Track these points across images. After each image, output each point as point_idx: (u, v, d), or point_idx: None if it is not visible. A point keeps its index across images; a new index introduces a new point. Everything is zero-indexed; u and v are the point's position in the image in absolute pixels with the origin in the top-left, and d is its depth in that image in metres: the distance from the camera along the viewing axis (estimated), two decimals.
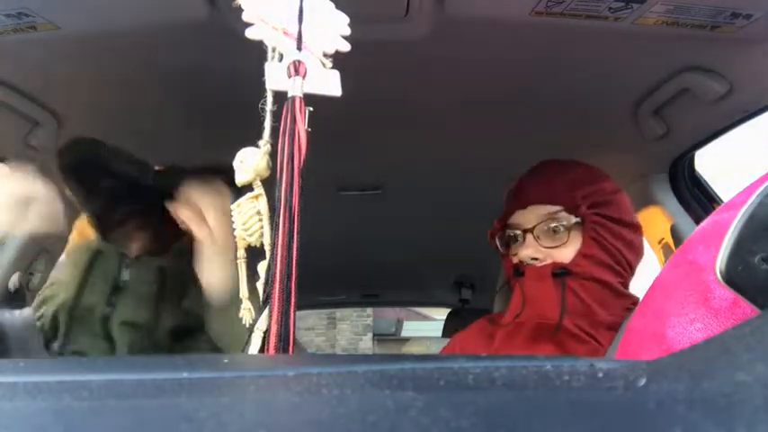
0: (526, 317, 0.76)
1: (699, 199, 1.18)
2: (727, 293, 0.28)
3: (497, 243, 0.83)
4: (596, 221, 0.74)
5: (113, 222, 0.80)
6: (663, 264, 1.15)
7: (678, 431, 0.17)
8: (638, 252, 0.77)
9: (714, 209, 0.34)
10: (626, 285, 0.76)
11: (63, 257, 0.82)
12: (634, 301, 0.74)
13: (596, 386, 0.22)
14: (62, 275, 0.79)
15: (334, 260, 1.77)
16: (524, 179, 0.83)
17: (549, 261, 0.75)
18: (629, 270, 0.75)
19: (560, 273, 0.73)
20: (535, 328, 0.75)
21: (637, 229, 0.77)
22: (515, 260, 0.79)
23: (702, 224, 0.34)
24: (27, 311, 0.79)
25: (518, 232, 0.78)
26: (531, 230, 0.77)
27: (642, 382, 0.21)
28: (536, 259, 0.76)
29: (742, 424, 0.17)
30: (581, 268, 0.73)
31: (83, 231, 0.81)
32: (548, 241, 0.75)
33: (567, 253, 0.74)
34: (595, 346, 0.72)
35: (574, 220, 0.74)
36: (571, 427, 0.18)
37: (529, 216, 0.77)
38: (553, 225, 0.75)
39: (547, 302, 0.73)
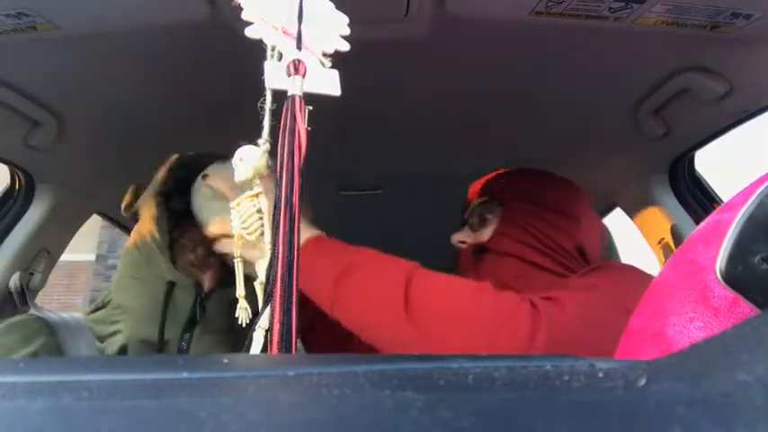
0: None
1: (699, 199, 1.18)
2: (727, 293, 0.28)
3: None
4: (515, 204, 0.81)
5: (185, 249, 0.76)
6: (663, 264, 1.15)
7: (678, 431, 0.17)
8: (570, 236, 0.78)
9: (714, 209, 0.34)
10: (567, 267, 0.77)
11: (123, 277, 0.75)
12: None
13: (596, 386, 0.22)
14: (131, 302, 0.72)
15: None
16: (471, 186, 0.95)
17: (473, 242, 0.84)
18: (562, 253, 0.77)
19: (479, 250, 0.81)
20: None
21: (567, 214, 0.80)
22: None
23: (702, 224, 0.34)
24: (78, 316, 0.75)
25: (462, 225, 0.90)
26: (467, 220, 0.88)
27: (642, 382, 0.21)
28: (463, 243, 0.85)
29: (742, 424, 0.17)
30: (496, 244, 0.79)
31: (142, 230, 0.76)
32: (478, 226, 0.85)
33: (487, 233, 0.82)
34: None
35: (495, 204, 0.83)
36: (571, 427, 0.18)
37: (469, 210, 0.89)
38: (481, 212, 0.85)
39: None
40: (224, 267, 0.76)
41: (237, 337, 0.75)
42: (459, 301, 0.59)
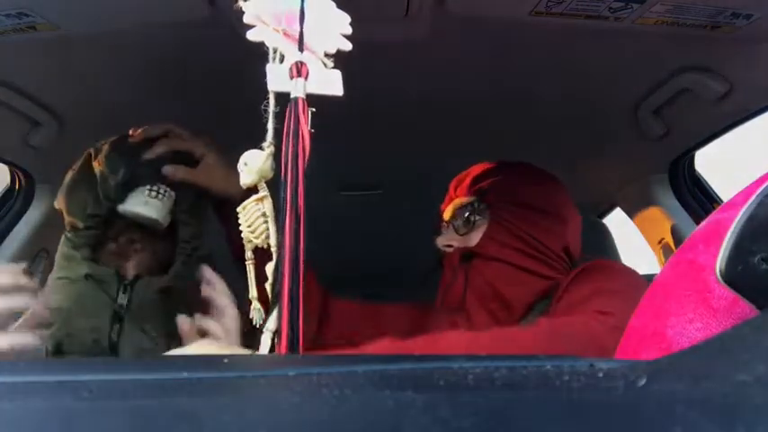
0: (441, 301, 0.82)
1: (699, 199, 1.18)
2: (727, 293, 0.28)
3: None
4: (502, 207, 0.78)
5: (107, 239, 0.75)
6: (663, 264, 1.15)
7: (678, 431, 0.17)
8: (557, 237, 0.77)
9: (714, 209, 0.34)
10: (554, 269, 0.77)
11: (52, 281, 0.75)
12: (559, 284, 0.75)
13: (596, 386, 0.22)
14: (61, 302, 0.72)
15: (333, 260, 1.77)
16: (454, 179, 0.90)
17: (461, 246, 0.80)
18: (551, 255, 0.76)
19: (467, 255, 0.78)
20: (447, 312, 0.80)
21: (553, 215, 0.78)
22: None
23: (702, 224, 0.33)
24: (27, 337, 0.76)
25: (443, 224, 0.86)
26: (450, 222, 0.84)
27: (642, 382, 0.21)
28: (450, 246, 0.82)
29: (742, 424, 0.17)
30: (485, 249, 0.77)
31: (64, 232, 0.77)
32: (463, 229, 0.81)
33: (475, 237, 0.79)
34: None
35: (483, 206, 0.80)
36: (571, 427, 0.18)
37: (450, 209, 0.85)
38: (466, 214, 0.81)
39: (456, 286, 0.78)
40: (152, 257, 0.77)
41: (170, 325, 0.72)
42: None
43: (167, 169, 0.72)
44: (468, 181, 0.84)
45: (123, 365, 0.29)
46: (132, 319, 0.73)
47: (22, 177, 1.12)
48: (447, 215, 0.85)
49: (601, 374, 0.22)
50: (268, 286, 0.43)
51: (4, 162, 1.07)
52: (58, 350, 0.71)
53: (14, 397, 0.21)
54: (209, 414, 0.19)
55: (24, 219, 1.13)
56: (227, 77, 0.83)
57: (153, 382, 0.23)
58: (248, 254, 0.49)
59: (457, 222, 0.82)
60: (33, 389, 0.22)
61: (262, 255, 0.46)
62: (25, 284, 0.60)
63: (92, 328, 0.71)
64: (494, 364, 0.25)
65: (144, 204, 0.71)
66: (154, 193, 0.72)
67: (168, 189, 0.73)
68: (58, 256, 0.76)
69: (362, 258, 1.96)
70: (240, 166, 0.42)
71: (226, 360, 0.28)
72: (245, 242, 0.46)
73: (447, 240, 0.82)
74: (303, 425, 0.19)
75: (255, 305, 0.51)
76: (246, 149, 0.43)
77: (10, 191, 1.15)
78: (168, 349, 0.73)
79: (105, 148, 0.75)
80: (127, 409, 0.20)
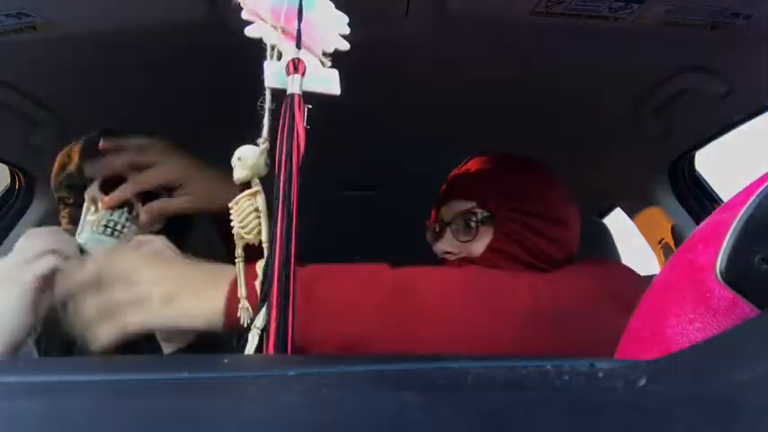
0: None
1: (699, 199, 1.18)
2: (727, 293, 0.28)
3: (428, 236, 0.82)
4: (508, 216, 0.73)
5: None
6: (663, 264, 1.15)
7: (678, 431, 0.17)
8: (562, 247, 0.73)
9: (714, 209, 0.34)
10: None
11: None
12: None
13: (596, 386, 0.22)
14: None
15: (333, 260, 1.77)
16: (452, 174, 0.83)
17: (462, 255, 0.74)
18: (554, 264, 0.72)
19: (468, 263, 0.73)
20: None
21: (561, 223, 0.74)
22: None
23: (702, 224, 0.33)
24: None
25: (439, 223, 0.79)
26: (449, 225, 0.76)
27: (642, 382, 0.21)
28: (449, 253, 0.76)
29: (742, 424, 0.17)
30: (488, 263, 0.71)
31: None
32: (464, 236, 0.75)
33: (478, 247, 0.73)
34: None
35: (487, 213, 0.74)
36: (571, 427, 0.18)
37: (448, 210, 0.78)
38: (466, 220, 0.75)
39: None
40: None
41: None
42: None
43: (144, 218, 0.65)
44: (469, 181, 0.78)
45: (123, 365, 0.29)
46: None
47: (22, 177, 1.12)
48: (446, 216, 0.78)
49: (601, 374, 0.22)
50: (257, 284, 0.43)
51: (4, 162, 1.07)
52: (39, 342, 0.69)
53: (14, 397, 0.21)
54: (209, 414, 0.19)
55: (24, 219, 1.13)
56: (227, 78, 0.83)
57: (153, 382, 0.23)
58: (239, 251, 0.48)
59: (457, 227, 0.76)
60: (33, 389, 0.22)
61: (253, 252, 0.45)
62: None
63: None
64: (494, 364, 0.25)
65: (95, 242, 0.63)
66: (109, 230, 0.63)
67: (129, 224, 0.65)
68: None
69: (362, 258, 1.96)
70: (234, 160, 0.42)
71: (226, 360, 0.28)
72: (236, 239, 0.45)
73: (447, 247, 0.76)
74: (303, 425, 0.19)
75: (244, 304, 0.50)
76: None
77: (10, 191, 1.15)
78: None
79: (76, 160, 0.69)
80: (127, 408, 0.20)
